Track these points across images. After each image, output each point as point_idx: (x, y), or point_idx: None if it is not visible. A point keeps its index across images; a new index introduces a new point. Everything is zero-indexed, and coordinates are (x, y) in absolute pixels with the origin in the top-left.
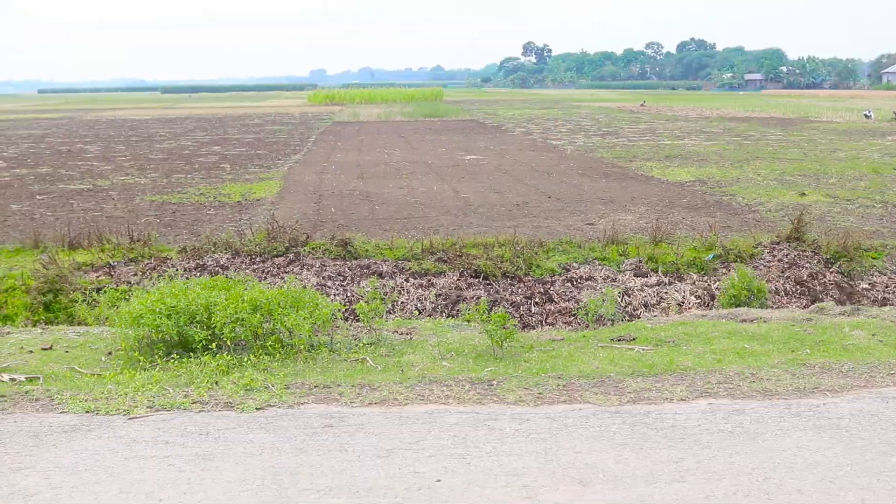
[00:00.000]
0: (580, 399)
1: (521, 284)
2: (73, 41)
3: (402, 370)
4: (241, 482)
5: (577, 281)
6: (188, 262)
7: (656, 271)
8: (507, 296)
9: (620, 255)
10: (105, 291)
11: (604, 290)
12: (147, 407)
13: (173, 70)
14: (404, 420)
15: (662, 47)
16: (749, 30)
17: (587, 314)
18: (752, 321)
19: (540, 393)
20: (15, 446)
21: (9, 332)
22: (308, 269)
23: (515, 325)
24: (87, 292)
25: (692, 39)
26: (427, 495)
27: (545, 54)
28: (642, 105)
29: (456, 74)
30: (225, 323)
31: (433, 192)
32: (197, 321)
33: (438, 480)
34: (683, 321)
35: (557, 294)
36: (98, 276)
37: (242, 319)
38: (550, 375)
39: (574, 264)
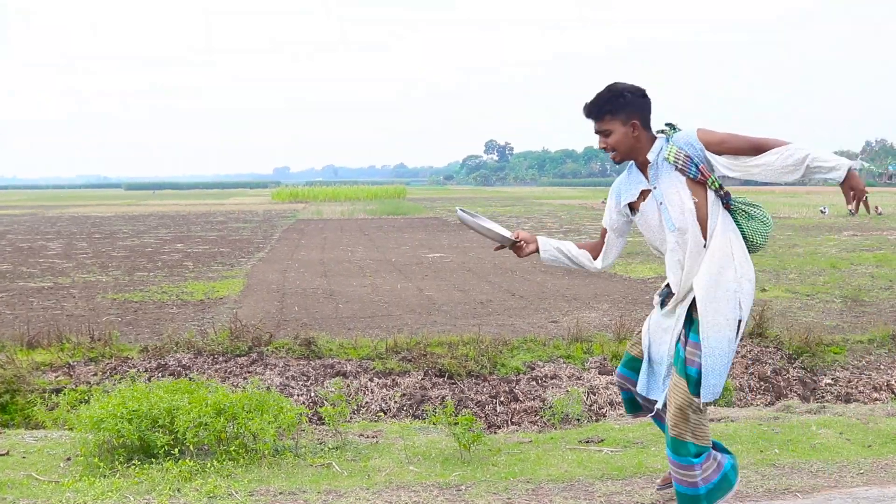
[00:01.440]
0: None
1: (486, 383)
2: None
3: (369, 475)
4: None
5: (542, 379)
6: (149, 362)
7: None
8: (473, 395)
9: (585, 352)
10: (64, 393)
11: (569, 388)
12: None
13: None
14: None
15: None
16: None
17: (553, 414)
18: (719, 420)
19: (509, 498)
20: None
21: None
22: (271, 369)
23: (481, 426)
24: (46, 393)
25: None
26: None
27: (507, 152)
28: (603, 202)
29: (419, 172)
30: (188, 427)
31: (397, 291)
32: (159, 425)
33: None
34: (651, 422)
35: (523, 393)
36: (57, 377)
37: (206, 423)
38: (519, 479)
39: (539, 362)
